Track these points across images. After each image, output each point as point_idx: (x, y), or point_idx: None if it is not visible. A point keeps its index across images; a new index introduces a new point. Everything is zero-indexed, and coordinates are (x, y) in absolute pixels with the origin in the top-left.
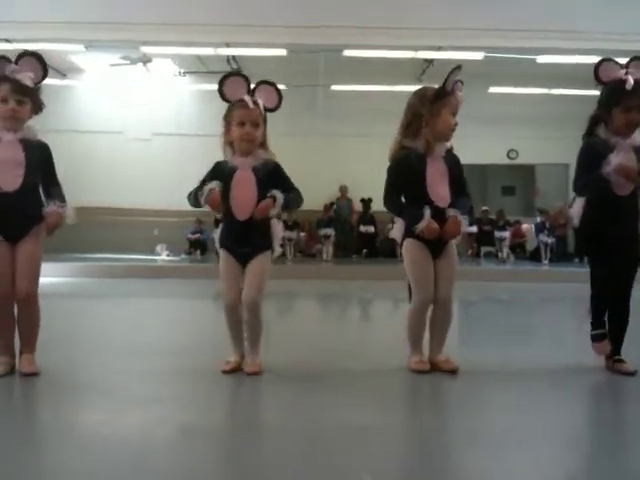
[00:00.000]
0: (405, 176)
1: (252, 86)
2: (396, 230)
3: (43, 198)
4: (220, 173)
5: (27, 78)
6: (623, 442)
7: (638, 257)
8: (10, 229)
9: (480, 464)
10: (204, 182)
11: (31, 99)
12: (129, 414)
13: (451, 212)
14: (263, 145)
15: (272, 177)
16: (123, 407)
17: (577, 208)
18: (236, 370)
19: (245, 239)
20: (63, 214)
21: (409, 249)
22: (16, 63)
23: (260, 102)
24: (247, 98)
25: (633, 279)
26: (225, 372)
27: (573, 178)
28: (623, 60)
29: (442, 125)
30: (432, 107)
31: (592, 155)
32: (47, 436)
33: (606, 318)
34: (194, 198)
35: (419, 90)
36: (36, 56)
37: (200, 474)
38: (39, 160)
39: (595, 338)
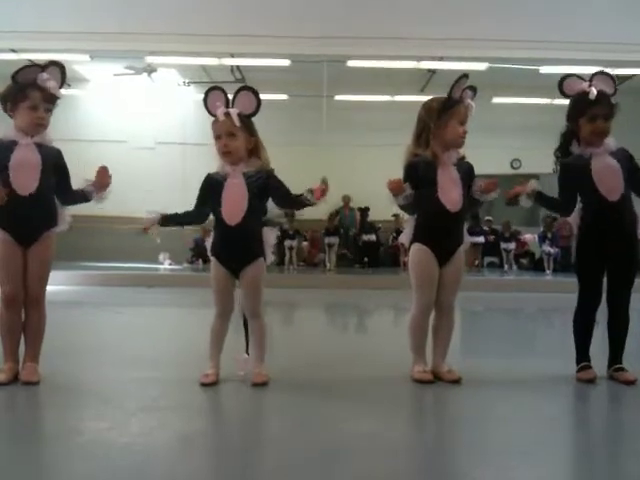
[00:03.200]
0: (416, 181)
1: (231, 96)
2: (404, 235)
3: (57, 203)
4: (212, 185)
5: (56, 88)
6: (624, 453)
7: (636, 262)
8: (24, 232)
9: (482, 476)
10: (199, 201)
11: (53, 107)
12: (131, 422)
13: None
14: (255, 152)
15: (266, 186)
16: (125, 415)
17: (575, 216)
18: (215, 383)
19: (236, 245)
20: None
21: (416, 253)
22: (43, 70)
23: (233, 112)
24: (219, 111)
25: (630, 285)
26: (204, 385)
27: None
28: (628, 71)
29: (451, 135)
30: (439, 119)
31: (570, 174)
32: (50, 443)
33: (606, 325)
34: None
35: (427, 102)
36: (60, 66)
37: None
38: (54, 165)
39: (579, 370)
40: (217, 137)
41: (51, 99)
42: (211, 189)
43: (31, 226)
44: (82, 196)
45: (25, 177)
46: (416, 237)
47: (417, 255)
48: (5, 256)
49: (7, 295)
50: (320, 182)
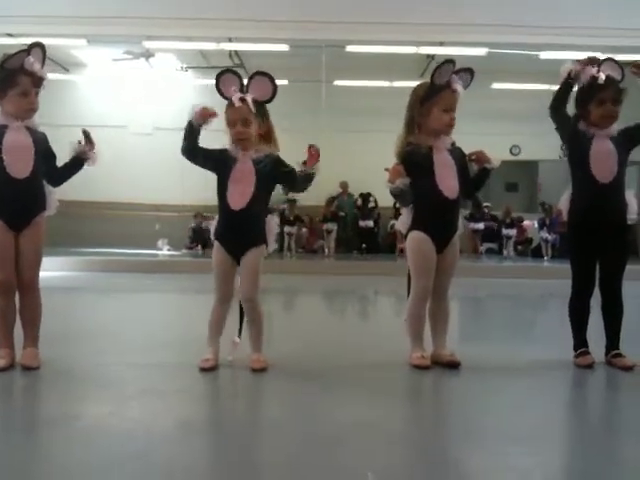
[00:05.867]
0: (413, 170)
1: (246, 81)
2: (401, 222)
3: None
4: (223, 160)
5: (42, 70)
6: (622, 438)
7: (626, 247)
8: (16, 217)
9: (481, 462)
10: (207, 149)
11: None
12: (132, 407)
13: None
14: (266, 138)
15: (273, 171)
16: (126, 400)
17: (564, 200)
18: (215, 368)
19: (239, 230)
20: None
21: (414, 241)
22: (28, 54)
23: (249, 98)
24: (234, 97)
25: (622, 270)
26: (204, 370)
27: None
28: (629, 57)
29: (435, 124)
30: (422, 107)
31: (572, 142)
32: (50, 429)
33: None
34: (187, 134)
35: (414, 88)
36: (41, 47)
37: (201, 468)
38: (44, 149)
39: (577, 356)
40: (231, 123)
41: (39, 82)
42: (222, 163)
43: (24, 210)
44: (72, 169)
45: (20, 161)
46: (415, 225)
47: (416, 243)
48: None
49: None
50: (307, 149)
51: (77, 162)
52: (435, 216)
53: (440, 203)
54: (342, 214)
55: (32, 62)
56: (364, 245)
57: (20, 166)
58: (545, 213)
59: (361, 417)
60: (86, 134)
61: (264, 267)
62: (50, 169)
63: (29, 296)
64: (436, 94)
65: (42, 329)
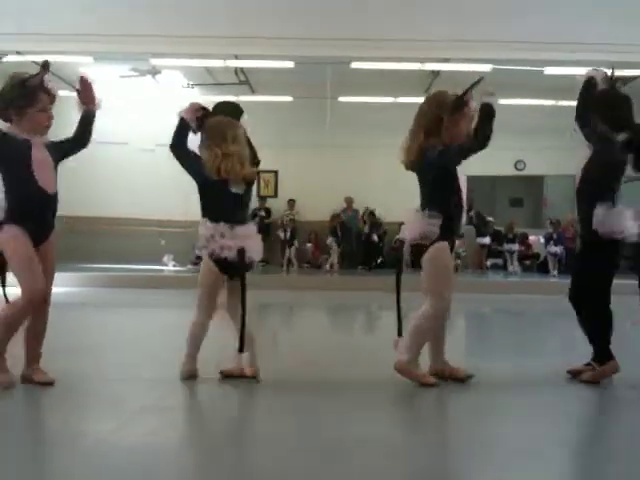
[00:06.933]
0: (446, 175)
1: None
2: (424, 231)
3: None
4: None
5: (55, 88)
6: (631, 454)
7: (589, 264)
8: (40, 231)
9: (489, 476)
10: None
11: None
12: (136, 423)
13: None
14: None
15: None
16: (130, 416)
17: None
18: (234, 375)
19: None
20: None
21: (444, 251)
22: (45, 73)
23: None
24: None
25: (588, 284)
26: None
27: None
28: (634, 72)
29: (458, 135)
30: (452, 116)
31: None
32: (55, 445)
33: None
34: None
35: (437, 95)
36: (49, 66)
37: None
38: (56, 153)
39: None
40: None
41: (53, 100)
42: None
43: (47, 225)
44: (87, 122)
45: (48, 176)
46: (443, 234)
47: (444, 254)
48: (29, 254)
49: (39, 294)
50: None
51: (88, 116)
52: (456, 225)
53: (459, 212)
54: (350, 227)
55: (49, 80)
56: (381, 259)
57: (49, 181)
58: (553, 228)
59: (364, 432)
60: (82, 80)
61: (270, 283)
62: (71, 140)
63: (43, 312)
64: (464, 107)
65: (50, 345)
